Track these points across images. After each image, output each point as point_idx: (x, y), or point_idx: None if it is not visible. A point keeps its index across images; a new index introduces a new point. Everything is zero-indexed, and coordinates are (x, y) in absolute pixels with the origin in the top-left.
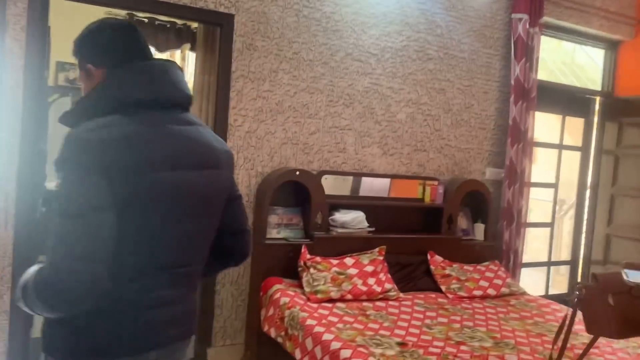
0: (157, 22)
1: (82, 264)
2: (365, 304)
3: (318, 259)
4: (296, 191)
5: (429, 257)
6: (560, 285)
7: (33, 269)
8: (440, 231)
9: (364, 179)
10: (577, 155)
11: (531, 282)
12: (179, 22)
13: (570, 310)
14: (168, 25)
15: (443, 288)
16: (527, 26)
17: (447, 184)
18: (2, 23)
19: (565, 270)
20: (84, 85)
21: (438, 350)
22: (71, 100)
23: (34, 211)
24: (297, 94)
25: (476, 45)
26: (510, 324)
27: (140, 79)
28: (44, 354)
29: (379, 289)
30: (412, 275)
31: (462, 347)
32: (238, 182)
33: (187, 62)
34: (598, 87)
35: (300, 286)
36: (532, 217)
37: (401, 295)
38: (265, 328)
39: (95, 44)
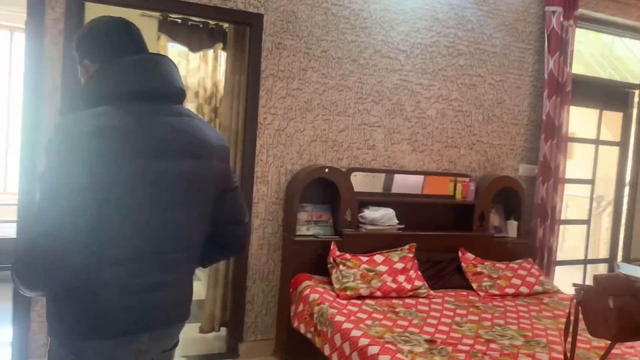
0: (190, 23)
1: (50, 240)
2: (394, 301)
3: (347, 255)
4: (325, 188)
5: (460, 254)
6: None
7: None
8: (471, 228)
9: (397, 176)
10: (615, 150)
11: (567, 280)
12: (212, 22)
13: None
14: (201, 26)
15: (474, 286)
16: (561, 19)
17: (478, 181)
18: (41, 27)
19: (603, 268)
20: (83, 81)
21: (467, 348)
22: None
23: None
24: (325, 92)
25: (508, 40)
26: (543, 323)
27: (131, 72)
28: (48, 336)
29: (408, 286)
30: (442, 273)
31: (492, 345)
32: (267, 179)
33: (219, 61)
34: (637, 80)
35: (330, 283)
36: (568, 214)
37: (431, 292)
38: (295, 324)
39: (90, 41)
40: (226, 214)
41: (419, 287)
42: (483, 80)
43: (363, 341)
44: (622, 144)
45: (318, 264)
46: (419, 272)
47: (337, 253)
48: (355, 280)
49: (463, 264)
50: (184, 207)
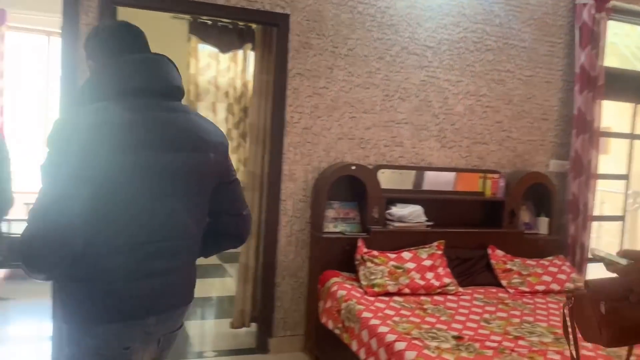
0: (220, 24)
1: (48, 224)
2: (422, 298)
3: (375, 252)
4: (352, 186)
5: (489, 251)
6: None
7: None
8: (501, 225)
9: (428, 173)
10: None
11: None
12: (241, 23)
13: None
14: (230, 27)
15: (504, 283)
16: (593, 12)
17: (508, 177)
18: (76, 32)
19: None
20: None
21: (495, 345)
22: None
23: None
24: (352, 90)
25: (537, 34)
26: None
27: (130, 70)
28: (62, 323)
29: (437, 283)
30: (471, 270)
31: (520, 342)
32: (295, 177)
33: (248, 62)
34: None
35: (357, 279)
36: (604, 210)
37: (460, 289)
38: (323, 320)
39: (94, 43)
40: (225, 206)
41: (448, 284)
42: (512, 76)
43: (390, 337)
44: None
45: (346, 260)
46: (448, 269)
47: (365, 250)
48: (382, 277)
49: (493, 261)
50: (181, 198)
